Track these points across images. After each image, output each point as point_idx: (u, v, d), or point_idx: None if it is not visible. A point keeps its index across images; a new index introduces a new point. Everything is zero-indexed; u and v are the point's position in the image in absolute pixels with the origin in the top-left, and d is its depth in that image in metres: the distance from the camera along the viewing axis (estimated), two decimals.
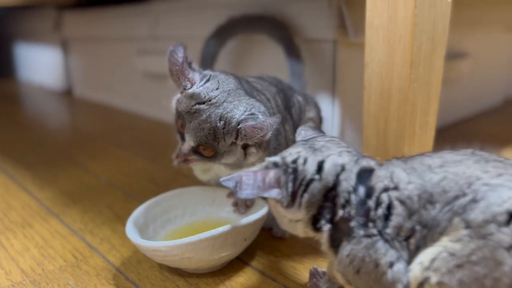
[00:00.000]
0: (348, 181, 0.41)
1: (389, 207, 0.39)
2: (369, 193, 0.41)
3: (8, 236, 0.69)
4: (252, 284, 0.55)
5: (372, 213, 0.40)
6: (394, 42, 0.57)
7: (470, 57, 1.25)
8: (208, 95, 0.55)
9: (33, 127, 1.46)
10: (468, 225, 0.36)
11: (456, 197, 0.37)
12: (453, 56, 1.15)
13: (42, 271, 0.59)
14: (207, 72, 0.58)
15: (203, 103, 0.55)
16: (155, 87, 1.45)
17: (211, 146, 0.56)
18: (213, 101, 0.55)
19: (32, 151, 1.16)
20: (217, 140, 0.55)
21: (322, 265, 0.57)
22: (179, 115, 0.57)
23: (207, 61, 0.97)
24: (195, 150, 0.57)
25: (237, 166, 0.59)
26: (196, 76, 0.56)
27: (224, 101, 0.55)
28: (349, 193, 0.41)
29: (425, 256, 0.37)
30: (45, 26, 1.98)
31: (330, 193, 0.42)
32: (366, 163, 0.43)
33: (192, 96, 0.55)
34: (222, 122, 0.54)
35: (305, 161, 0.43)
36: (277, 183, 0.43)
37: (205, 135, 0.55)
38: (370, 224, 0.40)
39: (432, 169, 0.40)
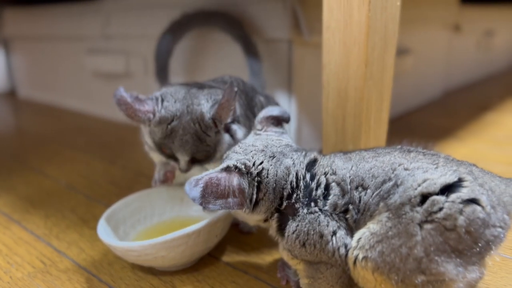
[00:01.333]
0: (298, 172, 0.47)
1: (327, 187, 0.45)
2: (312, 178, 0.47)
3: None
4: (225, 277, 0.57)
5: (313, 194, 0.46)
6: (349, 44, 0.61)
7: (412, 53, 1.33)
8: (172, 112, 0.58)
9: None
10: (388, 208, 0.42)
11: (383, 182, 0.44)
12: (397, 52, 1.22)
13: (10, 279, 0.58)
14: (156, 94, 0.60)
15: (172, 121, 0.58)
16: (106, 87, 1.43)
17: (202, 149, 0.59)
18: (178, 114, 0.58)
19: None
20: (204, 140, 0.58)
21: None
22: (160, 144, 0.60)
23: (162, 57, 0.97)
24: (192, 161, 0.60)
25: None
26: (150, 104, 0.59)
27: (187, 107, 0.58)
28: (297, 180, 0.47)
29: (354, 239, 0.44)
30: None
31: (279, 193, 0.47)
32: (311, 155, 0.49)
33: (160, 121, 0.58)
34: (197, 124, 0.58)
35: (267, 174, 0.47)
36: (241, 194, 0.46)
37: (192, 144, 0.58)
38: (312, 204, 0.45)
39: (365, 159, 0.46)
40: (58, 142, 1.22)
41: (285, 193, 0.47)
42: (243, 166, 0.47)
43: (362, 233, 0.43)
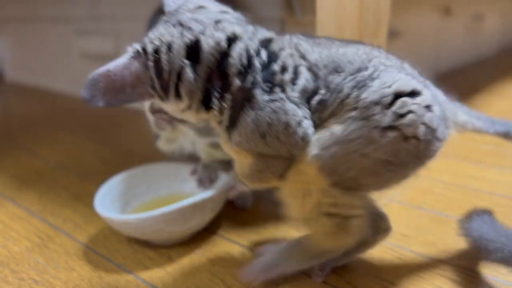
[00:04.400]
0: (250, 46, 0.40)
1: (296, 72, 0.41)
2: (272, 58, 0.41)
3: None
4: (221, 249, 0.58)
5: (277, 78, 0.40)
6: (343, 22, 0.62)
7: (402, 35, 1.34)
8: None
9: None
10: (357, 105, 0.40)
11: (359, 69, 0.41)
12: (387, 34, 1.23)
13: (8, 252, 0.59)
14: None
15: None
16: (95, 68, 1.41)
17: None
18: None
19: None
20: None
21: (282, 230, 0.61)
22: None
23: None
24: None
25: (208, 132, 0.61)
26: None
27: None
28: (250, 58, 0.40)
29: (314, 137, 0.41)
30: None
31: (215, 71, 0.40)
32: (264, 32, 0.43)
33: None
34: None
35: (169, 48, 0.39)
36: (139, 80, 0.40)
37: None
38: (277, 89, 0.40)
39: (336, 45, 0.43)
40: (47, 124, 1.21)
41: (232, 72, 0.39)
42: (140, 46, 0.40)
43: (323, 133, 0.41)
